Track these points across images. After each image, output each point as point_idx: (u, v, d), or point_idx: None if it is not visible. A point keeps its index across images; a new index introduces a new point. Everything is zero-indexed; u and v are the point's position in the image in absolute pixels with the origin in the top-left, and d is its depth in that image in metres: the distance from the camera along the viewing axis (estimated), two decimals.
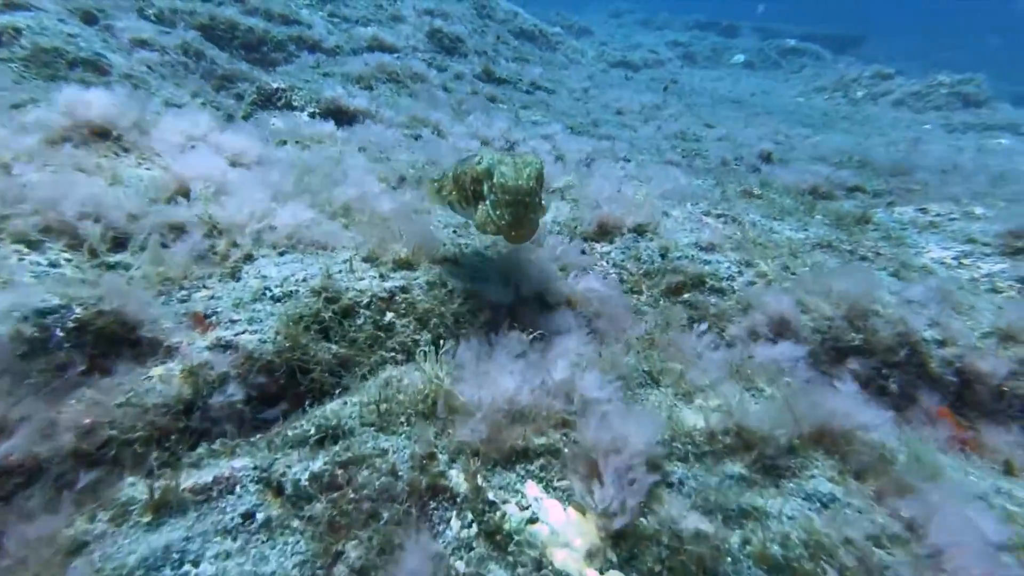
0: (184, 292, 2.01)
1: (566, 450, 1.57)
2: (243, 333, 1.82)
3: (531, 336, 1.90)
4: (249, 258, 2.23)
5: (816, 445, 1.74)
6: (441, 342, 2.00)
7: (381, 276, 2.20)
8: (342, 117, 5.74)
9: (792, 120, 12.27)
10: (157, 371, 1.66)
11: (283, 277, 2.11)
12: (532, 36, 16.85)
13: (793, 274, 2.96)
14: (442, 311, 2.14)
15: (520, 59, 13.33)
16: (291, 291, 2.04)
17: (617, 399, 1.69)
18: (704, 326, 2.28)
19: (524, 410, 1.60)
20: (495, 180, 1.63)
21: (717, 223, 3.47)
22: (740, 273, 2.91)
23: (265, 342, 1.81)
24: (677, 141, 7.73)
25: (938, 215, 4.25)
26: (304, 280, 2.09)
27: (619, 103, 10.01)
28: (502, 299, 2.21)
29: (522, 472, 1.53)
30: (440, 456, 1.52)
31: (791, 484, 1.61)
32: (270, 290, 2.04)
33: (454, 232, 2.91)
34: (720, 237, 3.17)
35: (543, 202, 1.72)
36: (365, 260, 2.31)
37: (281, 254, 2.30)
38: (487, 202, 1.65)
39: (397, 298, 2.14)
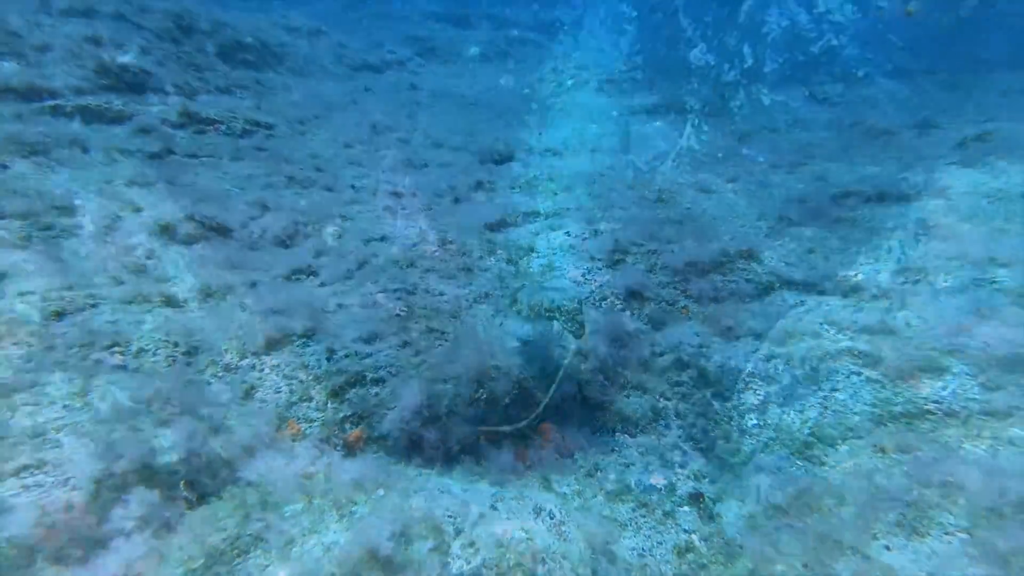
0: None
1: None
2: None
3: None
4: None
5: None
6: None
7: None
8: None
9: (514, 125, 13.85)
10: None
11: None
12: (250, 49, 15.47)
13: (419, 353, 3.59)
14: None
15: (238, 87, 12.21)
16: None
17: None
18: None
19: None
20: None
21: (388, 300, 3.95)
22: (398, 356, 3.42)
23: None
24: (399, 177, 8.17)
25: (576, 236, 5.49)
26: None
27: (345, 134, 10.01)
28: None
29: None
30: None
31: None
32: None
33: None
34: (386, 319, 3.64)
35: None
36: None
37: None
38: None
39: None
